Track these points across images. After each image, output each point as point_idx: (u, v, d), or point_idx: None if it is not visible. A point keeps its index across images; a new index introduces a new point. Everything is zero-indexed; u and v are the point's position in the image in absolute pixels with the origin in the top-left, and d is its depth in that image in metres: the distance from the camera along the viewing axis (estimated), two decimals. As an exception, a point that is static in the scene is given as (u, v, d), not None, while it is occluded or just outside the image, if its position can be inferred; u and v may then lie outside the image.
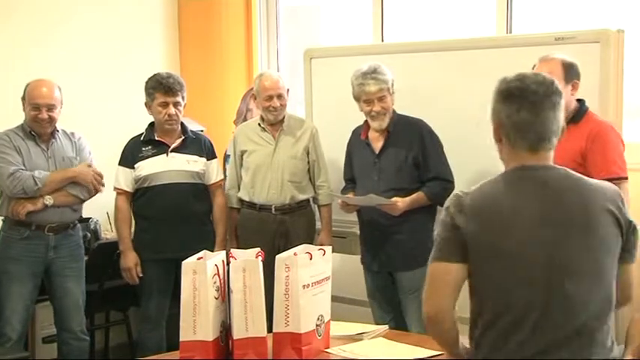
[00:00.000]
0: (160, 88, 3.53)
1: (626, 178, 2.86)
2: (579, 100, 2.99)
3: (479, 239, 1.81)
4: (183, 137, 3.66)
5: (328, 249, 2.33)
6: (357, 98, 3.40)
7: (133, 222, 3.71)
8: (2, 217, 3.54)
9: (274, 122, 3.78)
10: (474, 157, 3.33)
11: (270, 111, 3.73)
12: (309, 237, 3.72)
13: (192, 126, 4.45)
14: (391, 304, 3.50)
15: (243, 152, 3.82)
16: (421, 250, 3.29)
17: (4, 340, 3.42)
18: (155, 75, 3.61)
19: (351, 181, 3.61)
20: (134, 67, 4.55)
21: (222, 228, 3.75)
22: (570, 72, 2.90)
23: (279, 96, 3.71)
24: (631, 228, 1.88)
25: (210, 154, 3.72)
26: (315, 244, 3.38)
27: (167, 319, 3.69)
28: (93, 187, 3.54)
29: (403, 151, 3.36)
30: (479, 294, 1.87)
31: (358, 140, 3.52)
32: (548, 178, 1.86)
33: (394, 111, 3.41)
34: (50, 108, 3.43)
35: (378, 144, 3.42)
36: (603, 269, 1.82)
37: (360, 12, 4.64)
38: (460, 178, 3.37)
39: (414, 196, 3.33)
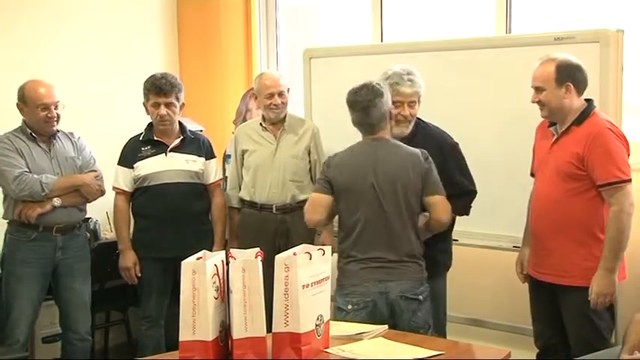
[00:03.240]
0: (153, 88, 3.54)
1: (628, 181, 2.79)
2: (587, 100, 2.93)
3: (337, 181, 2.98)
4: (182, 137, 3.66)
5: (328, 249, 2.32)
6: None
7: (132, 221, 3.71)
8: (7, 220, 3.52)
9: (276, 121, 3.78)
10: (474, 156, 3.33)
11: (271, 109, 3.73)
12: (310, 237, 3.71)
13: (192, 126, 4.45)
14: None
15: (244, 152, 3.82)
16: (442, 259, 3.28)
17: (12, 342, 3.43)
18: (151, 76, 3.61)
19: None
20: (133, 68, 4.55)
21: (221, 227, 3.75)
22: (564, 74, 2.85)
23: (280, 93, 3.72)
24: (430, 175, 2.96)
25: (209, 154, 3.72)
26: (316, 244, 3.38)
27: (165, 318, 3.70)
28: (97, 196, 3.57)
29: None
30: (339, 215, 3.03)
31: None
32: (378, 146, 2.99)
33: (418, 118, 3.28)
34: (56, 106, 3.45)
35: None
36: (405, 203, 2.94)
37: (359, 12, 4.64)
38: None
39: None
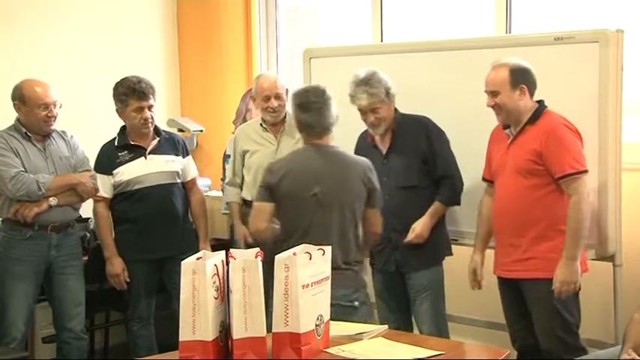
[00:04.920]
0: (134, 94, 3.53)
1: (584, 172, 2.91)
2: (539, 102, 3.04)
3: (278, 188, 2.98)
4: (157, 138, 3.66)
5: (328, 249, 2.32)
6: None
7: (112, 226, 3.69)
8: (1, 219, 3.52)
9: (275, 123, 3.78)
10: (474, 157, 3.33)
11: (268, 112, 3.74)
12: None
13: (192, 126, 4.45)
14: (398, 305, 3.49)
15: (245, 152, 3.83)
16: (435, 249, 3.38)
17: (9, 340, 3.43)
18: (124, 80, 3.58)
19: None
20: (133, 68, 4.51)
21: (204, 223, 3.77)
22: (518, 78, 2.97)
23: (277, 96, 3.72)
24: (372, 187, 3.05)
25: (185, 152, 3.75)
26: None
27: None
28: (91, 196, 3.57)
29: (411, 149, 3.33)
30: (281, 221, 3.05)
31: (365, 144, 3.47)
32: (323, 153, 3.03)
33: (396, 110, 3.38)
34: (55, 105, 3.45)
35: (384, 145, 3.39)
36: (349, 211, 3.02)
37: (359, 12, 4.64)
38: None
39: (430, 211, 3.31)
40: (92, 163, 3.67)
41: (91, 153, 3.69)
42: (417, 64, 3.70)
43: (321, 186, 2.96)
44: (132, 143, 3.62)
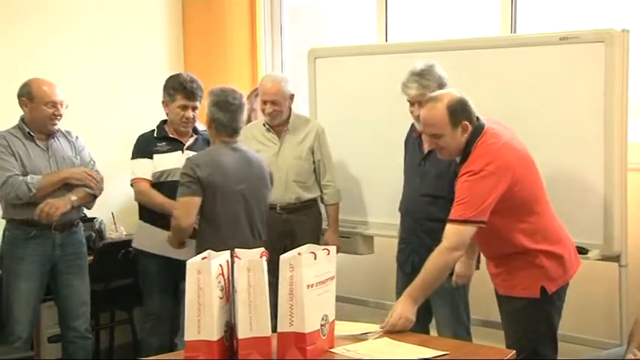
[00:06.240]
0: (184, 91, 3.55)
1: (464, 222, 2.58)
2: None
3: (208, 181, 3.10)
4: (195, 136, 3.68)
5: (333, 249, 2.32)
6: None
7: (138, 214, 3.69)
8: (6, 219, 3.52)
9: (274, 124, 3.78)
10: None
11: (265, 114, 3.75)
12: (315, 236, 3.72)
13: (201, 126, 4.42)
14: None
15: None
16: None
17: (15, 339, 3.44)
18: (178, 76, 3.62)
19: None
20: (139, 67, 4.56)
21: None
22: (456, 115, 2.64)
23: (273, 102, 3.72)
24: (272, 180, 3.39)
25: None
26: (322, 244, 3.38)
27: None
28: (92, 184, 3.50)
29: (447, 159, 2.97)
30: (207, 214, 3.16)
31: (412, 137, 3.34)
32: (241, 152, 3.24)
33: None
34: (62, 104, 3.47)
35: (428, 145, 3.15)
36: (265, 207, 3.34)
37: (364, 11, 4.64)
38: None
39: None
40: (100, 162, 3.67)
41: (95, 152, 3.70)
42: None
43: (246, 182, 3.18)
44: (170, 136, 3.63)
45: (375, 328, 2.52)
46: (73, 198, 3.44)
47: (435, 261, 2.61)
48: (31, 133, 3.46)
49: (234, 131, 3.20)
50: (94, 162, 3.63)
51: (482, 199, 2.59)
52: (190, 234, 3.20)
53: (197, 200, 3.11)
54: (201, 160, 3.16)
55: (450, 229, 2.61)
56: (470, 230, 2.60)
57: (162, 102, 3.62)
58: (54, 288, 3.60)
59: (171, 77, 3.63)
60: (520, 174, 2.66)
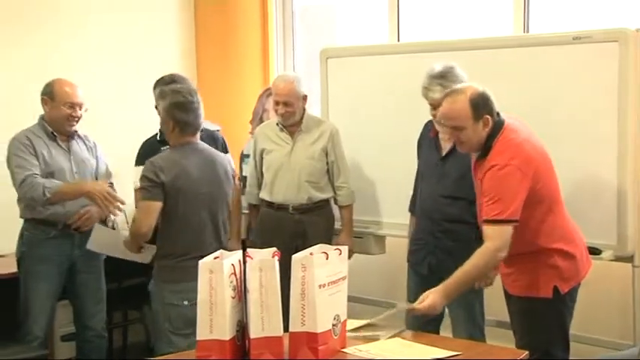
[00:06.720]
0: None
1: (504, 222, 2.56)
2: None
3: (172, 185, 3.03)
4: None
5: (344, 249, 2.32)
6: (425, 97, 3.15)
7: None
8: (25, 219, 3.53)
9: (288, 124, 3.78)
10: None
11: (278, 114, 3.75)
12: (328, 237, 3.70)
13: (208, 125, 4.43)
14: None
15: (262, 151, 3.84)
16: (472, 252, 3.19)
17: (32, 338, 3.47)
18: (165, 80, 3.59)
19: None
20: (151, 69, 4.55)
21: (237, 222, 3.78)
22: (478, 108, 2.63)
23: (286, 103, 3.70)
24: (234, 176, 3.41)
25: (224, 149, 3.75)
26: (333, 245, 3.37)
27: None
28: (107, 210, 3.45)
29: (469, 160, 2.88)
30: (170, 219, 3.09)
31: (427, 137, 3.28)
32: (202, 151, 3.19)
33: None
34: (81, 107, 3.50)
35: (447, 145, 3.13)
36: (227, 204, 3.32)
37: (376, 11, 4.64)
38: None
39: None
40: (112, 164, 3.69)
41: (108, 153, 3.71)
42: (434, 64, 3.69)
43: (210, 184, 3.14)
44: None
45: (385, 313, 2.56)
46: (112, 218, 3.50)
47: (475, 261, 2.58)
48: (54, 133, 3.49)
49: (197, 129, 3.16)
50: (111, 173, 3.66)
51: (513, 196, 2.58)
52: (149, 238, 3.13)
53: (157, 205, 3.03)
54: (165, 163, 3.06)
55: (492, 229, 2.59)
56: (510, 230, 2.59)
57: (155, 107, 3.53)
58: (70, 287, 3.62)
59: (158, 81, 3.61)
60: (541, 170, 2.67)
